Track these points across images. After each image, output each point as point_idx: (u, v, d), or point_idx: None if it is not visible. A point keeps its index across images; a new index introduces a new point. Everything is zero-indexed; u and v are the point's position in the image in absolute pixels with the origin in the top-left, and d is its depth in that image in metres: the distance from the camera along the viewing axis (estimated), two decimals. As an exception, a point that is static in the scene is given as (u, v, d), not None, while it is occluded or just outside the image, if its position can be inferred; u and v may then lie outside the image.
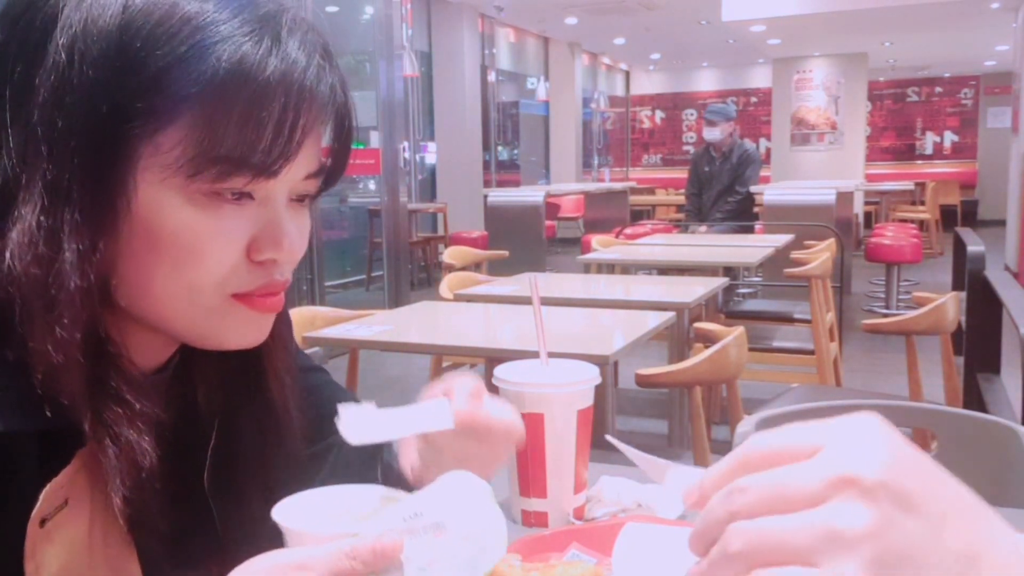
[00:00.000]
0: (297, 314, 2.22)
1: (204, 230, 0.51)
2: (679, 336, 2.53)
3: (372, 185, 6.86)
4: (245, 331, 0.56)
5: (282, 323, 0.63)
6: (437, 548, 0.45)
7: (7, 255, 0.49)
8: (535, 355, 0.82)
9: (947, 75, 13.97)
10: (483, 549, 0.46)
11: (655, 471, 0.52)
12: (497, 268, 4.34)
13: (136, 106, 0.49)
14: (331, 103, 0.55)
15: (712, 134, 5.69)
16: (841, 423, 0.37)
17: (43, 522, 0.48)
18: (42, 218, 0.49)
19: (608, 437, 0.47)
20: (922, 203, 10.71)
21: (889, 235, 6.30)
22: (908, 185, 10.55)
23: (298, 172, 0.54)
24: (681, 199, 8.67)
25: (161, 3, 0.50)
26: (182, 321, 0.54)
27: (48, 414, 0.49)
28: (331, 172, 0.57)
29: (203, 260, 0.52)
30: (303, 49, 0.52)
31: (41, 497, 0.48)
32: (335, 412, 0.69)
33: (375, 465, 0.70)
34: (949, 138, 14.21)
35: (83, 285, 0.49)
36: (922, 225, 9.24)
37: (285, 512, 0.50)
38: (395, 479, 0.67)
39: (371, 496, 0.53)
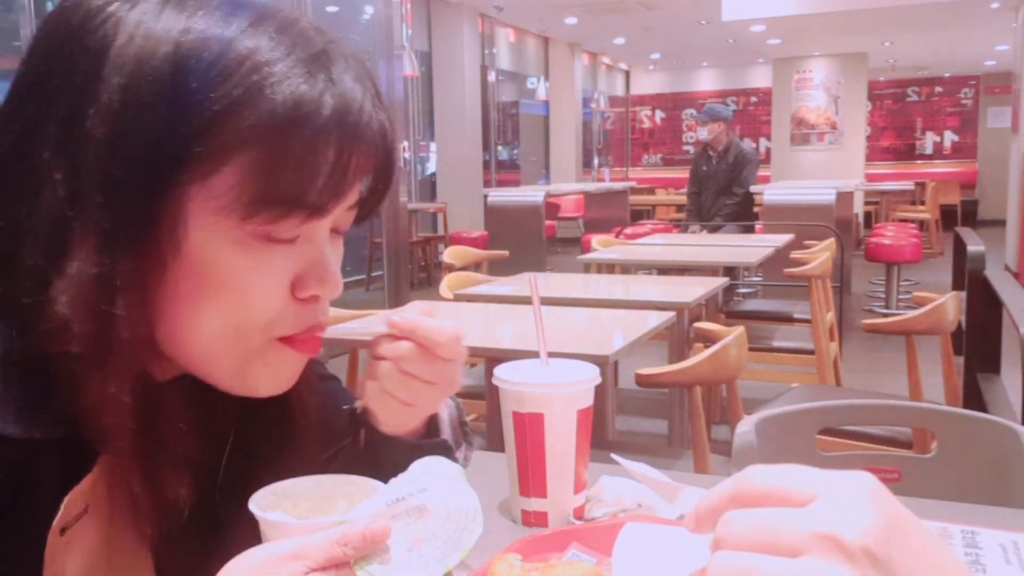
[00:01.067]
0: (297, 314, 2.22)
1: (253, 271, 0.51)
2: (679, 336, 2.52)
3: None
4: (281, 374, 0.56)
5: None
6: (421, 529, 0.48)
7: (61, 301, 0.48)
8: (535, 355, 0.82)
9: (947, 75, 13.97)
10: (464, 527, 0.48)
11: (668, 493, 0.53)
12: (497, 268, 4.34)
13: (190, 151, 0.47)
14: (381, 140, 0.54)
15: (700, 133, 5.80)
16: (839, 478, 0.37)
17: (63, 530, 0.48)
18: (96, 269, 0.48)
19: (621, 460, 0.47)
20: (922, 203, 10.71)
21: (889, 235, 6.30)
22: (908, 185, 10.56)
23: (344, 207, 0.54)
24: (681, 199, 8.68)
25: (214, 40, 0.48)
26: (223, 364, 0.53)
27: (69, 424, 0.49)
28: (371, 205, 0.57)
29: (251, 301, 0.51)
30: (357, 86, 0.52)
31: (63, 505, 0.48)
32: (342, 418, 0.69)
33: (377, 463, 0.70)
34: (949, 138, 14.20)
35: (136, 338, 0.49)
36: (922, 225, 9.24)
37: (263, 505, 0.51)
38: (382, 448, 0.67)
39: (342, 484, 0.54)
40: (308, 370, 0.66)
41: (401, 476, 0.50)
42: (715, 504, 0.39)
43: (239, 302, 0.51)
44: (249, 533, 0.60)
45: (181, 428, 0.54)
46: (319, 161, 0.50)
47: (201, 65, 0.48)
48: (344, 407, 0.69)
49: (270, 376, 0.55)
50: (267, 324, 0.53)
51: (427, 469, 0.50)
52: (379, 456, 0.66)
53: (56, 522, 0.48)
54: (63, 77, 0.49)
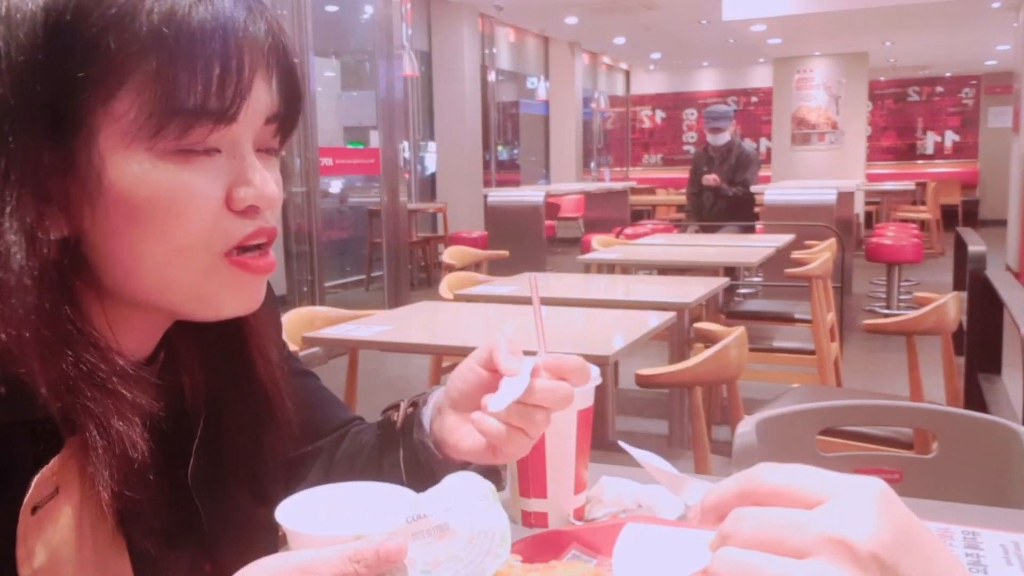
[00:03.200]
0: (296, 314, 2.22)
1: (180, 188, 0.51)
2: (679, 336, 2.52)
3: (359, 184, 6.86)
4: (240, 295, 0.56)
5: (267, 314, 0.63)
6: (441, 550, 0.45)
7: (8, 263, 0.48)
8: (535, 355, 0.82)
9: (948, 75, 13.96)
10: (487, 552, 0.46)
11: (673, 484, 0.52)
12: (497, 268, 4.34)
13: (79, 77, 0.49)
14: (269, 43, 0.54)
15: (722, 138, 5.72)
16: (850, 482, 0.37)
17: (35, 509, 0.49)
18: (30, 216, 0.48)
19: (628, 447, 0.46)
20: (923, 203, 10.70)
21: (890, 235, 6.29)
22: (909, 185, 10.54)
23: (256, 117, 0.54)
24: (681, 199, 8.68)
25: None
26: (177, 289, 0.54)
27: (37, 404, 0.49)
28: (287, 115, 0.57)
29: (185, 218, 0.52)
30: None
31: (32, 484, 0.48)
32: (326, 417, 0.69)
33: (379, 468, 0.70)
34: (950, 138, 14.20)
35: (33, 264, 0.49)
36: (923, 225, 9.24)
37: (287, 513, 0.50)
38: (423, 461, 0.67)
39: (374, 494, 0.53)
40: (280, 354, 0.66)
41: (428, 492, 0.48)
42: (722, 499, 0.39)
43: (171, 220, 0.51)
44: (222, 521, 0.60)
45: (131, 377, 0.53)
46: (207, 65, 0.50)
47: None
48: (388, 410, 0.69)
49: (231, 296, 0.56)
50: (207, 239, 0.53)
51: (455, 486, 0.48)
52: (422, 471, 0.66)
53: (27, 500, 0.48)
54: None
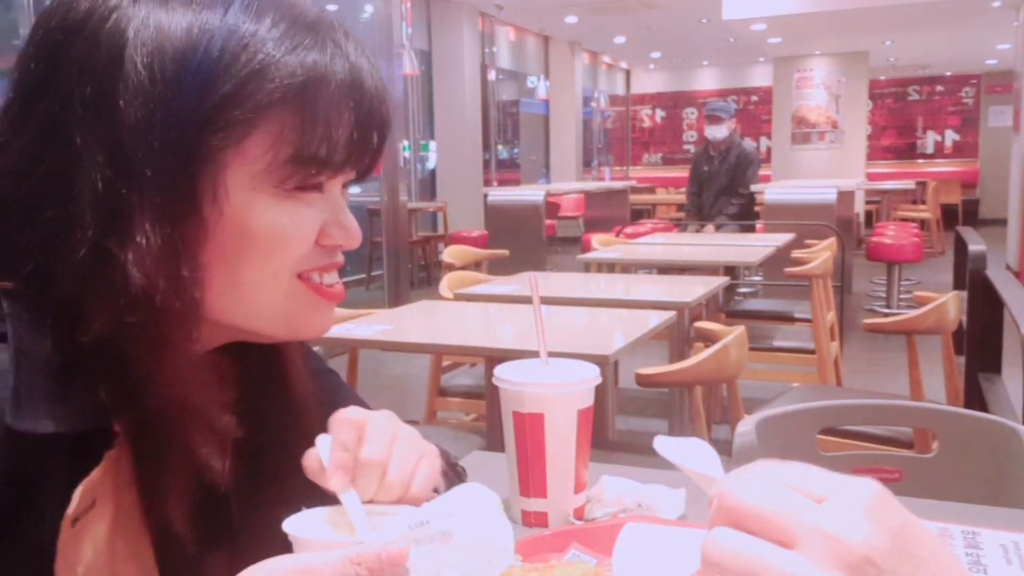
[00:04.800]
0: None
1: (289, 223, 0.55)
2: (679, 335, 2.52)
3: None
4: (317, 318, 0.59)
5: None
6: (443, 557, 0.45)
7: (135, 273, 0.50)
8: (535, 354, 0.82)
9: (948, 74, 13.96)
10: (490, 559, 0.46)
11: (707, 485, 0.52)
12: (497, 267, 4.34)
13: (219, 118, 0.51)
14: (384, 99, 0.59)
15: (719, 131, 5.66)
16: (848, 483, 0.37)
17: (75, 521, 0.49)
18: (160, 239, 0.50)
19: (657, 447, 0.46)
20: (923, 202, 10.70)
21: (890, 234, 6.29)
22: (909, 184, 10.54)
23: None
24: (681, 198, 8.67)
25: (229, 18, 0.52)
26: (265, 311, 0.57)
27: (81, 417, 0.50)
28: (372, 162, 0.60)
29: (288, 250, 0.55)
30: (359, 51, 0.57)
31: (75, 496, 0.49)
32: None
33: None
34: (950, 137, 14.19)
35: (192, 303, 0.52)
36: (923, 224, 9.23)
37: (294, 524, 0.51)
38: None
39: (384, 512, 0.54)
40: (307, 361, 0.67)
41: (434, 500, 0.48)
42: (729, 506, 0.39)
43: (277, 252, 0.55)
44: (252, 531, 0.60)
45: (213, 407, 0.57)
46: (344, 119, 0.55)
47: (218, 40, 0.51)
48: None
49: (309, 318, 0.59)
50: (295, 267, 0.57)
51: (460, 495, 0.48)
52: None
53: (69, 512, 0.48)
54: (81, 65, 0.51)
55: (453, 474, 0.73)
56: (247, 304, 0.56)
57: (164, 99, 0.50)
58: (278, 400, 0.64)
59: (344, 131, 0.55)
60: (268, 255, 0.55)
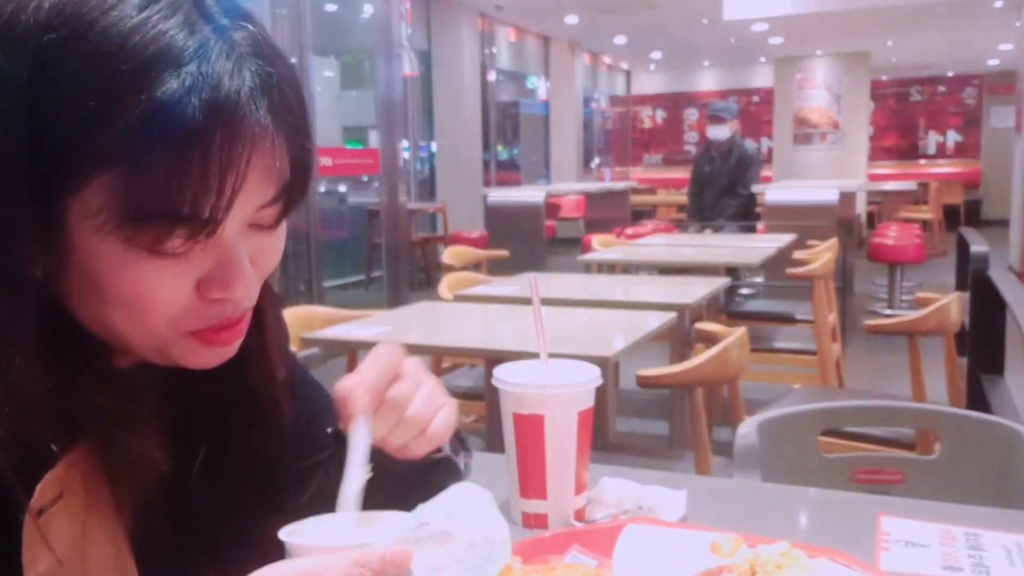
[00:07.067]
0: (295, 314, 2.22)
1: (145, 282, 0.48)
2: (680, 337, 2.52)
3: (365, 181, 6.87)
4: (203, 358, 0.54)
5: (269, 331, 0.61)
6: (444, 555, 0.46)
7: None
8: (535, 355, 0.82)
9: (950, 74, 13.95)
10: (489, 556, 0.47)
11: None
12: (497, 268, 4.33)
13: (50, 168, 0.45)
14: (279, 118, 0.48)
15: (721, 131, 5.64)
16: None
17: (40, 513, 0.49)
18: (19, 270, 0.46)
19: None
20: (925, 203, 10.70)
21: (892, 235, 6.29)
22: (911, 185, 10.52)
23: (247, 207, 0.49)
24: (682, 199, 8.67)
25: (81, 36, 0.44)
26: (146, 351, 0.53)
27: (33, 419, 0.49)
28: (292, 193, 0.51)
29: (152, 308, 0.49)
30: (236, 76, 0.46)
31: (37, 489, 0.48)
32: (326, 425, 0.68)
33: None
34: (952, 137, 14.18)
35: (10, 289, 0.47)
36: (925, 225, 9.22)
37: (291, 532, 0.51)
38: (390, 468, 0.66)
39: (375, 519, 0.54)
40: (288, 375, 0.65)
41: (429, 502, 0.49)
42: None
43: (138, 307, 0.49)
44: (229, 531, 0.60)
45: (147, 418, 0.53)
46: (189, 171, 0.45)
47: (60, 68, 0.44)
48: (329, 429, 0.67)
49: (194, 360, 0.53)
50: (172, 321, 0.50)
51: (455, 495, 0.49)
52: (385, 470, 0.65)
53: (32, 504, 0.48)
54: None
55: (459, 445, 0.72)
56: (121, 342, 0.51)
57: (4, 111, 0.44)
58: (237, 395, 0.61)
59: (191, 185, 0.45)
60: (128, 310, 0.49)
